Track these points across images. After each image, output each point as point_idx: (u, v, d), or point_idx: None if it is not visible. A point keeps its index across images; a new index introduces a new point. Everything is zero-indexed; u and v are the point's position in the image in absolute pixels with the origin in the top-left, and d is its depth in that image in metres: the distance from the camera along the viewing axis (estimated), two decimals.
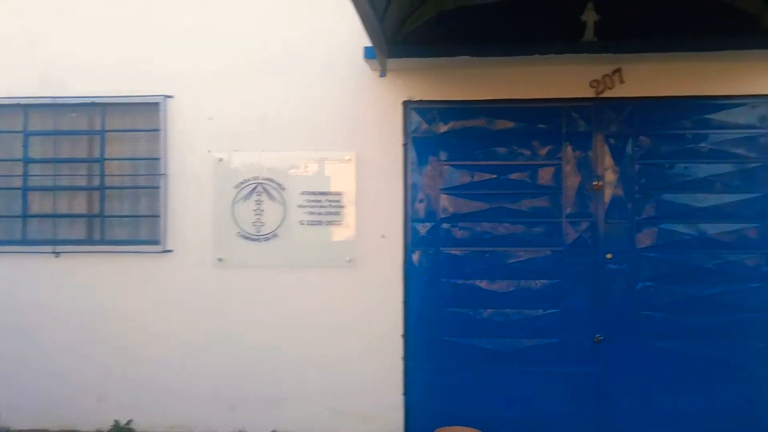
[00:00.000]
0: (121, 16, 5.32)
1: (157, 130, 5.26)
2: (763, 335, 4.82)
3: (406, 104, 5.13)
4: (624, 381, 4.93)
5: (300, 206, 5.10)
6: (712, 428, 4.85)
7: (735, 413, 4.85)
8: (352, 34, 4.93)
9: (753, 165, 4.88)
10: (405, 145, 5.12)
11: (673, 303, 4.90)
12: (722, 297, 4.86)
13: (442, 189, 5.10)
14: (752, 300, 4.85)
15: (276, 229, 5.11)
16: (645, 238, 4.95)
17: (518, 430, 4.96)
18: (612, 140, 5.01)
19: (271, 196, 5.12)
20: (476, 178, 5.07)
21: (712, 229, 4.89)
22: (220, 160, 5.18)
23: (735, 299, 4.85)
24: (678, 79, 4.93)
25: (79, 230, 5.42)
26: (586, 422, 4.95)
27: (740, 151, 4.89)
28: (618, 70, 4.95)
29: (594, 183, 4.99)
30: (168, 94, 5.25)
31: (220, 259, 5.16)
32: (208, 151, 5.21)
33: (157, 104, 5.25)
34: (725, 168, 4.90)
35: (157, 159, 5.26)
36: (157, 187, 5.25)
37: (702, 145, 4.93)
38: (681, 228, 4.92)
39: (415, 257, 5.09)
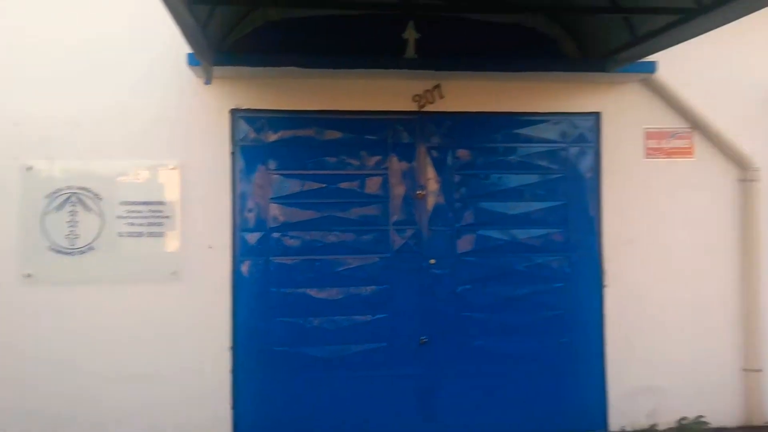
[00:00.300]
0: None
1: None
2: (566, 331, 5.30)
3: (234, 112, 5.06)
4: (447, 380, 5.19)
5: (119, 217, 4.84)
6: (526, 418, 5.24)
7: (545, 403, 5.27)
8: (176, 38, 4.74)
9: (555, 176, 5.36)
10: (233, 153, 5.05)
11: (490, 304, 5.24)
12: (532, 297, 5.28)
13: (271, 198, 5.08)
14: (557, 299, 5.31)
15: (92, 242, 4.80)
16: (464, 244, 5.26)
17: None
18: (434, 152, 5.27)
19: (86, 207, 4.81)
20: (306, 187, 5.11)
21: (522, 234, 5.31)
22: (29, 168, 4.78)
23: (542, 298, 5.29)
24: (491, 96, 5.30)
25: None
26: (414, 422, 5.15)
27: (544, 163, 5.35)
28: (438, 86, 5.23)
29: (418, 192, 5.23)
30: None
31: (28, 275, 4.75)
32: (15, 158, 4.79)
33: None
34: (532, 179, 5.34)
35: None
36: None
37: (512, 157, 5.34)
38: (495, 234, 5.29)
39: (244, 267, 5.03)
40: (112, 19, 4.93)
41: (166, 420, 4.89)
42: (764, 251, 5.44)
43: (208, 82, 4.85)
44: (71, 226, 4.78)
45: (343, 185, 5.16)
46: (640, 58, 4.90)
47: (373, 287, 5.15)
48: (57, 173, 4.80)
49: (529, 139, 5.36)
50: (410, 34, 5.06)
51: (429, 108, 5.25)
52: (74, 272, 4.78)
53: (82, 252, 4.79)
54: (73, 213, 4.79)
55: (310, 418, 5.03)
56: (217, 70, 4.84)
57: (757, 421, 5.41)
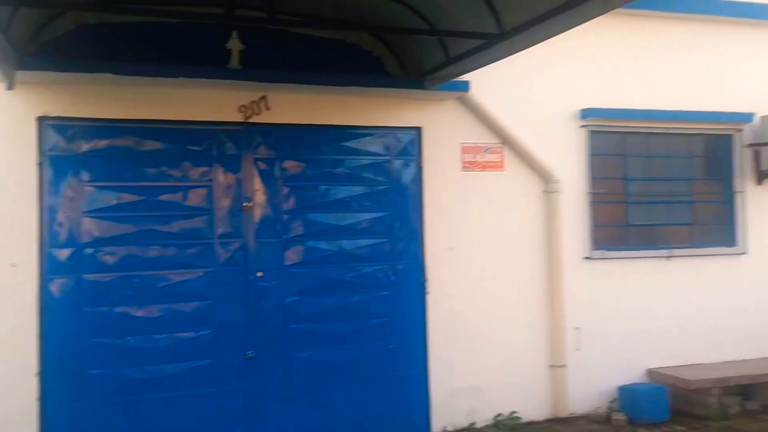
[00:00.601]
0: None
1: None
2: (391, 338, 5.48)
3: (42, 120, 4.72)
4: (275, 393, 5.15)
5: None
6: (355, 425, 5.33)
7: (373, 409, 5.40)
8: None
9: (381, 188, 5.54)
10: (40, 164, 4.70)
11: (318, 314, 5.30)
12: (359, 305, 5.41)
13: (84, 212, 4.78)
14: (383, 306, 5.48)
15: None
16: (292, 256, 5.28)
17: None
18: (261, 163, 5.25)
19: None
20: (123, 200, 4.87)
21: (349, 244, 5.43)
22: None
23: (369, 307, 5.43)
24: (319, 108, 5.37)
25: None
26: None
27: (370, 175, 5.52)
28: (264, 98, 5.21)
29: (244, 204, 5.17)
30: None
31: None
32: None
33: None
34: (359, 190, 5.48)
35: None
36: None
37: (339, 169, 5.45)
38: (324, 245, 5.36)
39: (54, 286, 4.68)
40: None
41: None
42: (565, 256, 5.99)
43: (10, 87, 4.51)
44: None
45: (165, 197, 4.98)
46: (454, 77, 5.24)
47: (197, 302, 5.00)
48: None
49: (356, 152, 5.50)
50: (234, 45, 5.02)
51: (255, 119, 5.22)
52: None
53: None
54: None
55: None
56: (22, 75, 4.54)
57: (562, 413, 5.93)
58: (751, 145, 6.61)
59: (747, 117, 6.57)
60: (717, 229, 6.66)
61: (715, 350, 6.46)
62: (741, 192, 6.64)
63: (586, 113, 6.10)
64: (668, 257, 6.39)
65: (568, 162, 6.08)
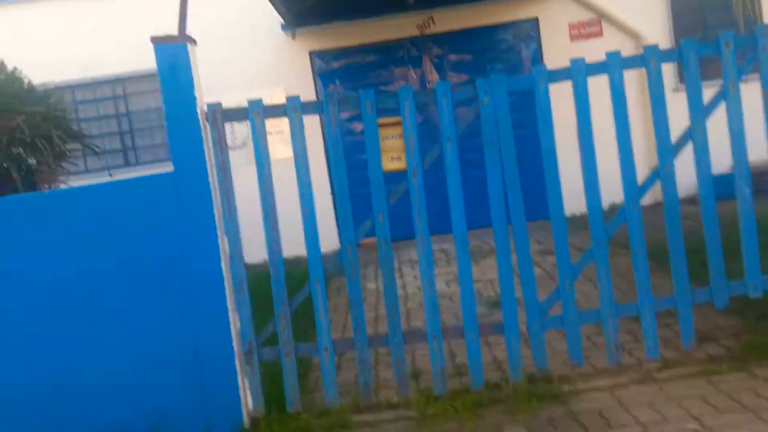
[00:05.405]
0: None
1: None
2: None
3: (311, 53, 8.57)
4: None
5: None
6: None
7: None
8: (273, 15, 8.25)
9: (514, 61, 8.47)
10: (313, 78, 8.59)
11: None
12: None
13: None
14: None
15: None
16: None
17: None
18: (434, 59, 8.55)
19: None
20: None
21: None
22: None
23: None
24: (468, 18, 8.39)
25: None
26: None
27: (505, 54, 8.47)
28: (431, 17, 8.42)
29: (427, 84, 8.54)
30: None
31: None
32: None
33: None
34: (500, 66, 8.47)
35: None
36: None
37: (487, 53, 8.49)
38: None
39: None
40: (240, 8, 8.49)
41: None
42: None
43: (294, 37, 8.37)
44: None
45: (382, 89, 8.57)
46: None
47: None
48: None
49: (495, 41, 8.50)
50: None
51: (427, 32, 8.49)
52: None
53: None
54: None
55: None
56: (299, 30, 8.34)
57: None
58: None
59: None
60: None
61: None
62: None
63: None
64: None
65: (653, 22, 8.27)
